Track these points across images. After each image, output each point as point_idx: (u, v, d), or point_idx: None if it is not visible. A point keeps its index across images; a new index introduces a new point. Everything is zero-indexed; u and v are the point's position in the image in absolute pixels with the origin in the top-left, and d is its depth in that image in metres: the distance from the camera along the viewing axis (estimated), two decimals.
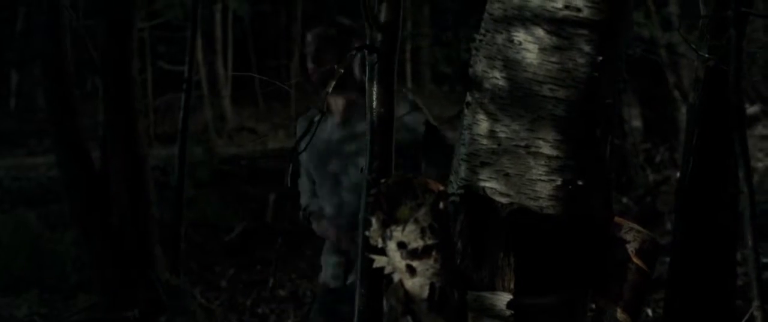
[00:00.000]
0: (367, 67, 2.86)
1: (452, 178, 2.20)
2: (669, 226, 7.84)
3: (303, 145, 2.59)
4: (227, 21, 16.89)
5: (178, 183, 6.94)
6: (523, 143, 2.05)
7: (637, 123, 11.19)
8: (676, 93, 10.49)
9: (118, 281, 6.69)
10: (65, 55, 6.30)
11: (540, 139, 2.05)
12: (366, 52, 2.87)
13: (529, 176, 2.07)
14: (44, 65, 6.30)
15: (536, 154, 2.05)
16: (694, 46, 2.93)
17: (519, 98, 2.04)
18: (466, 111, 2.15)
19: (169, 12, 14.88)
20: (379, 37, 2.86)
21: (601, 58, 2.03)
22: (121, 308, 6.70)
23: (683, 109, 11.53)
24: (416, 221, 1.86)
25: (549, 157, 2.05)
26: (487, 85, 2.08)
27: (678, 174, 9.88)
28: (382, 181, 2.03)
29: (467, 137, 2.13)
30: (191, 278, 7.35)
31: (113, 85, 6.27)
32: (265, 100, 18.23)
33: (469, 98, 2.13)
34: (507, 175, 2.08)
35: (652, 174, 9.69)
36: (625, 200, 8.85)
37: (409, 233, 1.86)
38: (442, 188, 1.90)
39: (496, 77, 2.06)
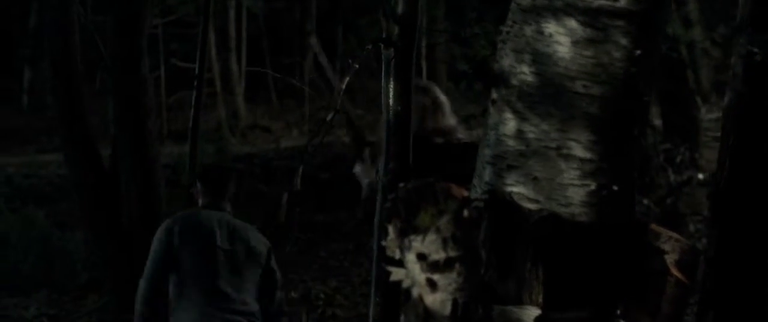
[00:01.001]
0: (383, 62, 2.70)
1: (476, 182, 2.03)
2: (692, 228, 7.64)
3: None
4: (241, 18, 16.74)
5: (189, 182, 6.81)
6: (553, 145, 1.89)
7: (657, 122, 10.99)
8: (696, 92, 10.29)
9: (128, 281, 6.56)
10: (74, 52, 6.17)
11: (572, 140, 1.88)
12: (382, 46, 2.72)
13: (559, 181, 1.90)
14: (52, 63, 6.17)
15: (568, 157, 1.88)
16: (719, 43, 2.76)
17: (549, 95, 1.87)
18: (491, 109, 1.98)
19: (182, 8, 14.74)
20: (396, 30, 2.70)
21: (638, 51, 1.86)
22: (131, 309, 6.57)
23: (703, 109, 11.32)
24: (438, 230, 1.69)
25: (582, 159, 1.88)
26: (514, 82, 1.91)
27: (699, 175, 9.71)
28: (400, 185, 1.86)
29: (492, 138, 1.96)
30: None
31: (123, 83, 6.14)
32: (279, 98, 18.07)
33: (494, 95, 1.97)
34: (536, 179, 1.91)
35: (673, 175, 9.48)
36: (645, 201, 8.66)
37: (429, 244, 1.69)
38: (466, 193, 1.73)
39: (525, 73, 1.89)
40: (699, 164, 9.48)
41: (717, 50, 10.96)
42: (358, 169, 5.01)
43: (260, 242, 4.15)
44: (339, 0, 17.14)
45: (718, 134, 3.57)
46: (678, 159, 9.79)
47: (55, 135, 14.52)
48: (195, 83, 6.71)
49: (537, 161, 1.90)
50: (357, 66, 2.48)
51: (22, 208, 9.09)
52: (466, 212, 1.68)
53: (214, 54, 16.28)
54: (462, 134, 3.71)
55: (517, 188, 1.92)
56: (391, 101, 2.68)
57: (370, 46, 2.62)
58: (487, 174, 1.98)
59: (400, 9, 2.65)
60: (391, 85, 2.66)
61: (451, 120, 3.71)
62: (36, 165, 11.87)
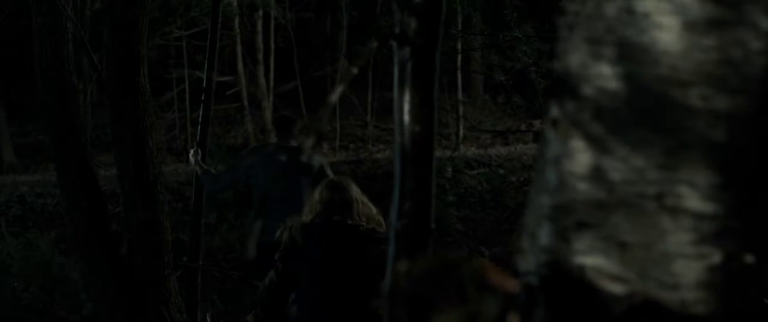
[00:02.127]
0: (396, 66, 2.02)
1: (526, 244, 1.32)
2: None
3: None
4: (269, 29, 16.11)
5: (194, 207, 6.14)
6: (652, 191, 1.17)
7: None
8: None
9: (128, 316, 5.91)
10: (66, 62, 5.54)
11: (683, 183, 1.16)
12: (395, 44, 2.03)
13: (662, 248, 1.18)
14: (42, 73, 5.54)
15: (676, 211, 1.17)
16: None
17: (645, 112, 1.16)
18: (550, 134, 1.26)
19: (206, 20, 14.14)
20: (413, 24, 2.01)
21: None
22: None
23: None
24: None
25: (699, 215, 1.17)
26: (587, 90, 1.20)
27: None
28: (404, 270, 1.15)
29: (553, 179, 1.25)
30: (212, 313, 6.52)
31: (120, 98, 5.50)
32: (309, 112, 17.43)
33: (555, 113, 1.25)
34: (623, 245, 1.19)
35: None
36: None
37: None
38: (511, 284, 1.02)
39: (605, 76, 1.18)
40: None
41: None
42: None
43: (316, 160, 5.85)
44: (371, 10, 16.48)
45: None
46: None
47: None
48: (203, 98, 6.08)
49: (625, 217, 1.19)
50: (356, 71, 1.79)
51: (24, 232, 8.50)
52: (512, 318, 0.96)
53: (241, 67, 15.68)
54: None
55: (592, 259, 1.21)
56: (406, 118, 2.00)
57: (375, 45, 1.92)
58: (545, 235, 1.26)
59: None
60: (407, 97, 1.98)
61: (373, 209, 3.99)
62: (50, 184, 11.30)
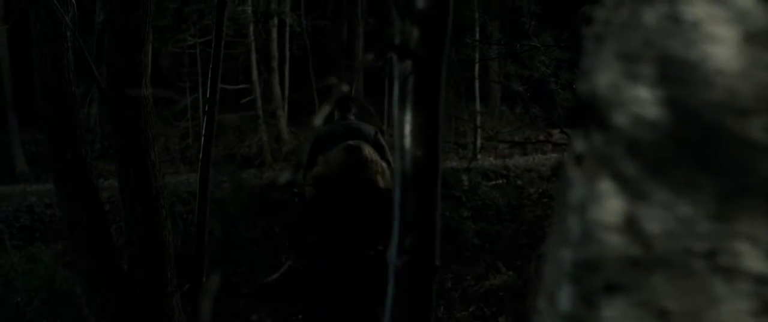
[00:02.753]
0: (396, 82, 1.79)
1: (543, 305, 1.07)
2: None
3: None
4: (284, 37, 15.90)
5: (198, 220, 5.91)
6: (701, 247, 0.92)
7: None
8: None
9: None
10: (66, 70, 5.34)
11: (741, 237, 0.91)
12: (395, 56, 1.79)
13: (714, 319, 0.93)
14: (41, 81, 5.34)
15: (731, 272, 0.92)
16: None
17: (694, 147, 0.92)
18: (573, 173, 1.02)
19: None
20: (415, 34, 1.78)
21: None
22: None
23: None
24: None
25: (761, 278, 0.92)
26: (620, 119, 0.95)
27: None
28: None
29: (576, 229, 1.00)
30: None
31: (121, 108, 5.29)
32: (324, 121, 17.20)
33: (580, 147, 1.01)
34: (664, 314, 0.95)
35: None
36: None
37: None
38: None
39: (643, 100, 0.94)
40: None
41: None
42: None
43: (370, 129, 6.17)
44: (387, 17, 16.25)
45: None
46: None
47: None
48: (206, 107, 5.87)
49: (666, 279, 0.94)
50: (346, 88, 1.55)
51: (28, 245, 8.31)
52: None
53: (256, 75, 15.49)
54: None
55: None
56: (407, 141, 1.77)
57: (371, 56, 1.68)
58: (566, 298, 1.01)
59: (421, 2, 1.74)
60: (408, 116, 1.75)
61: (386, 170, 4.45)
62: None
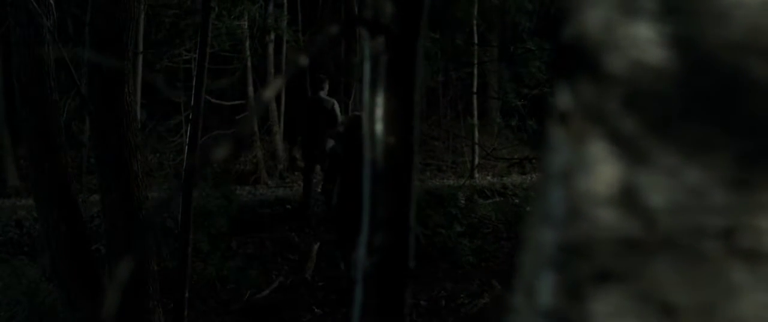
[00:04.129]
0: (366, 60, 1.61)
1: (519, 301, 0.88)
2: None
3: None
4: (280, 52, 15.75)
5: (181, 232, 5.71)
6: (716, 223, 0.74)
7: None
8: None
9: None
10: (48, 80, 5.17)
11: (766, 211, 0.73)
12: (366, 31, 1.62)
13: (732, 314, 0.75)
14: (21, 92, 5.16)
15: (754, 256, 0.74)
16: None
17: (707, 98, 0.74)
18: (557, 135, 0.83)
19: (216, 41, 13.81)
20: (389, 7, 1.61)
21: None
22: None
23: None
24: None
25: None
26: (616, 65, 0.77)
27: None
28: None
29: (560, 204, 0.81)
30: None
31: (103, 117, 5.11)
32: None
33: (565, 103, 0.82)
34: (669, 309, 0.76)
35: None
36: None
37: None
38: None
39: (644, 41, 0.75)
40: None
41: None
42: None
43: (331, 103, 10.66)
44: None
45: None
46: None
47: (86, 174, 13.68)
48: (191, 118, 5.70)
49: (672, 265, 0.75)
50: (306, 61, 1.36)
51: (11, 259, 8.11)
52: None
53: (252, 91, 15.33)
54: None
55: None
56: (378, 127, 1.58)
57: (336, 30, 1.50)
58: (547, 290, 0.82)
59: None
60: (380, 99, 1.57)
61: None
62: None
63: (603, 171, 0.78)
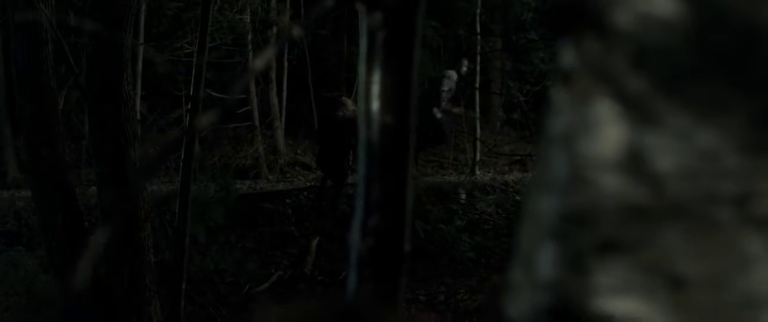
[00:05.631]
0: (362, 36, 1.56)
1: (518, 275, 0.83)
2: None
3: None
4: (283, 46, 15.68)
5: (178, 224, 5.67)
6: (729, 190, 0.69)
7: None
8: None
9: None
10: (46, 65, 5.12)
11: None
12: (363, 7, 1.57)
13: (744, 287, 0.70)
14: (19, 79, 5.11)
15: (765, 224, 0.69)
16: None
17: (721, 54, 0.69)
18: (560, 97, 0.78)
19: (217, 35, 13.75)
20: None
21: None
22: None
23: None
24: None
25: None
26: (622, 19, 0.72)
27: None
28: None
29: (562, 170, 0.76)
30: None
31: (101, 105, 5.07)
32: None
33: (568, 62, 0.77)
34: (679, 281, 0.71)
35: None
36: None
37: None
38: None
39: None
40: None
41: None
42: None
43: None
44: None
45: None
46: None
47: (85, 166, 13.65)
48: (188, 110, 5.66)
49: (682, 235, 0.71)
50: (299, 32, 1.32)
51: (9, 250, 8.07)
52: None
53: (253, 86, 15.27)
54: None
55: (625, 303, 0.73)
56: (375, 105, 1.53)
57: (331, 2, 1.45)
58: (547, 262, 0.78)
59: None
60: (377, 77, 1.52)
61: None
62: None
63: (608, 133, 0.73)
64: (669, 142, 0.70)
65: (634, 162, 0.72)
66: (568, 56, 0.76)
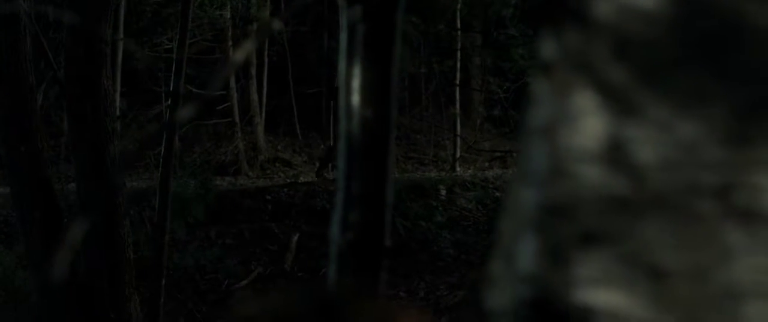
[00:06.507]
0: (343, 31, 1.56)
1: (498, 268, 0.83)
2: None
3: None
4: (263, 43, 15.66)
5: (158, 221, 5.64)
6: (711, 181, 0.69)
7: None
8: None
9: None
10: (24, 62, 5.08)
11: (765, 167, 0.68)
12: (343, 1, 1.57)
13: (726, 279, 0.70)
14: None
15: (751, 217, 0.69)
16: None
17: (703, 44, 0.68)
18: (540, 88, 0.77)
19: (197, 31, 13.70)
20: None
21: None
22: None
23: None
24: None
25: None
26: (603, 11, 0.71)
27: None
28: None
29: (542, 161, 0.76)
30: None
31: (79, 100, 5.03)
32: (302, 130, 16.95)
33: (548, 53, 0.76)
34: (659, 274, 0.71)
35: None
36: None
37: None
38: None
39: None
40: None
41: None
42: None
43: None
44: None
45: None
46: None
47: (64, 162, 13.56)
48: (168, 103, 5.63)
49: (663, 226, 0.70)
50: (278, 25, 1.33)
51: None
52: None
53: (233, 82, 15.23)
54: None
55: (605, 295, 0.72)
56: (355, 99, 1.54)
57: None
58: (528, 254, 0.77)
59: None
60: (357, 71, 1.52)
61: None
62: None
63: (589, 124, 0.72)
64: (650, 134, 0.70)
65: (614, 153, 0.71)
66: (548, 48, 0.75)
